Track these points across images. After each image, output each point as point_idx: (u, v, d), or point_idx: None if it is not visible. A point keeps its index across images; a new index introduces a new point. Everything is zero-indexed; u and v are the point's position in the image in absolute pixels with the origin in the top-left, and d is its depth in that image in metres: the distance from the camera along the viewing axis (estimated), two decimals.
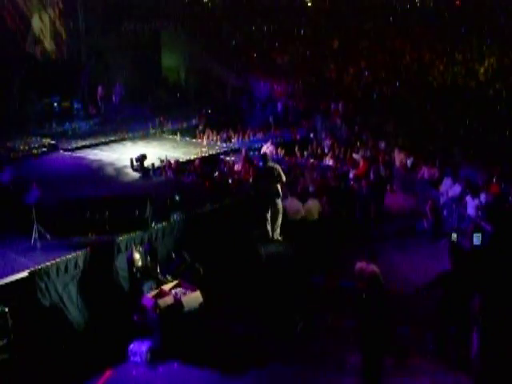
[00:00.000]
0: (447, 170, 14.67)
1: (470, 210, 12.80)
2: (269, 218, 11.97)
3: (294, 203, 13.14)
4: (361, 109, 20.51)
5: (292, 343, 9.70)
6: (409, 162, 16.09)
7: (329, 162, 17.35)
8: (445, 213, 13.60)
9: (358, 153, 17.28)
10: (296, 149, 18.53)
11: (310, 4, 25.81)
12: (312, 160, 17.73)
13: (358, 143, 18.32)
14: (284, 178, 11.88)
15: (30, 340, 9.23)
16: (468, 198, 13.05)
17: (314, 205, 13.36)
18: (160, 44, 26.60)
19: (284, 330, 9.94)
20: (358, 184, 14.83)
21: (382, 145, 17.82)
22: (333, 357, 9.28)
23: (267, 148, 18.04)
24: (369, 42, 24.29)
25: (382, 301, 8.69)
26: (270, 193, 11.81)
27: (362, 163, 15.98)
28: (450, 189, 13.91)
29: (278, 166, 11.96)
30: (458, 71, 21.49)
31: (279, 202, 11.98)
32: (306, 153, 18.46)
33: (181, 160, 16.75)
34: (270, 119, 22.25)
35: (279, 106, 22.67)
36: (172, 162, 16.15)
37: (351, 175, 15.63)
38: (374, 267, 9.04)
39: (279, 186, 11.83)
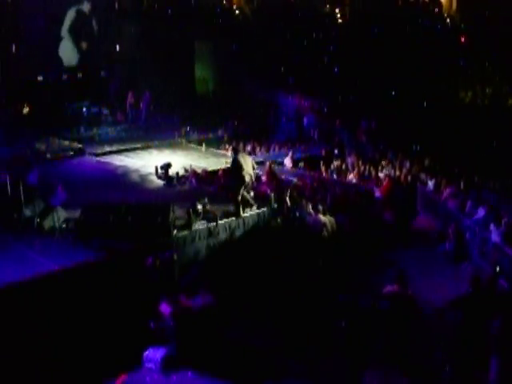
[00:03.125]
0: (471, 192, 14.52)
1: (495, 237, 12.59)
2: (244, 193, 13.13)
3: (315, 219, 13.09)
4: (387, 127, 20.45)
5: (307, 360, 9.63)
6: (432, 184, 15.99)
7: (353, 178, 17.30)
8: (467, 236, 13.45)
9: (382, 171, 17.23)
10: (321, 164, 18.52)
11: (340, 21, 25.83)
12: (335, 176, 17.71)
13: (383, 162, 18.26)
14: (256, 166, 13.61)
15: (44, 343, 9.29)
16: (492, 225, 12.86)
17: (334, 221, 13.30)
18: (194, 54, 26.82)
19: (301, 346, 9.88)
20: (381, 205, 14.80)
21: (407, 164, 17.73)
22: (348, 376, 9.19)
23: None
24: (396, 61, 24.20)
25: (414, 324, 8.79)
26: (247, 177, 13.02)
27: (386, 181, 15.91)
28: (473, 212, 13.76)
29: (250, 157, 13.69)
30: (488, 94, 21.31)
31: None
32: (330, 169, 18.44)
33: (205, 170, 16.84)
34: (296, 134, 22.27)
35: (305, 121, 22.69)
36: (198, 171, 16.23)
37: (376, 193, 15.58)
38: (410, 292, 9.30)
39: (252, 172, 13.17)
